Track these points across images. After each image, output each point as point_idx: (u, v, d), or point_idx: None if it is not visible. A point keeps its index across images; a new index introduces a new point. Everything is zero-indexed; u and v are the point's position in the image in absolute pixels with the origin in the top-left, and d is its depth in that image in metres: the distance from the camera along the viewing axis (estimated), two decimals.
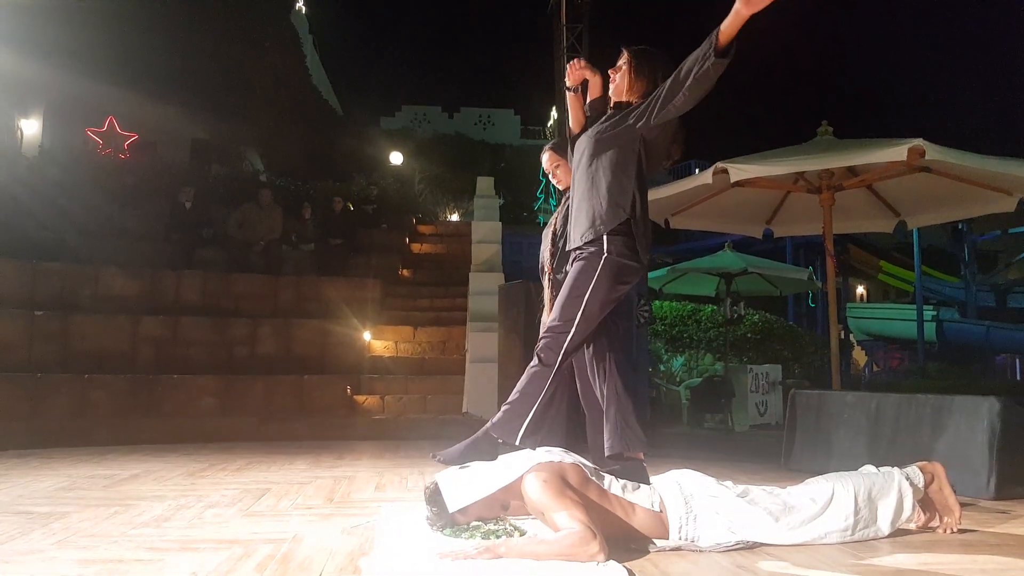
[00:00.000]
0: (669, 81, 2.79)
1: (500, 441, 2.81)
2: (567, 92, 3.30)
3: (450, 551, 2.08)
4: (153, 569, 2.01)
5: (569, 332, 2.86)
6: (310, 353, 8.00)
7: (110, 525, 2.61)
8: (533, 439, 2.73)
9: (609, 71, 3.15)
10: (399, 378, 7.90)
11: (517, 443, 2.75)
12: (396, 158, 21.23)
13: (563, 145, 3.50)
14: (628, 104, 3.04)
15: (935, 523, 2.64)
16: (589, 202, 2.94)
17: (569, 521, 2.07)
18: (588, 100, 3.31)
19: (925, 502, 2.62)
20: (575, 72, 3.23)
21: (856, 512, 2.39)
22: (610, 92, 3.13)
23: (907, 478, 2.51)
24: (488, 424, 2.87)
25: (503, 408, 2.88)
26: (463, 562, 2.01)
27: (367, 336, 8.55)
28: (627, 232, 2.89)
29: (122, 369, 7.12)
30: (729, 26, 2.57)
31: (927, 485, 2.58)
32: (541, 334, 2.96)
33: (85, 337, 7.26)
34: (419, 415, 7.39)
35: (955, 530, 2.60)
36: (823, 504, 2.38)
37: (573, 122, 3.34)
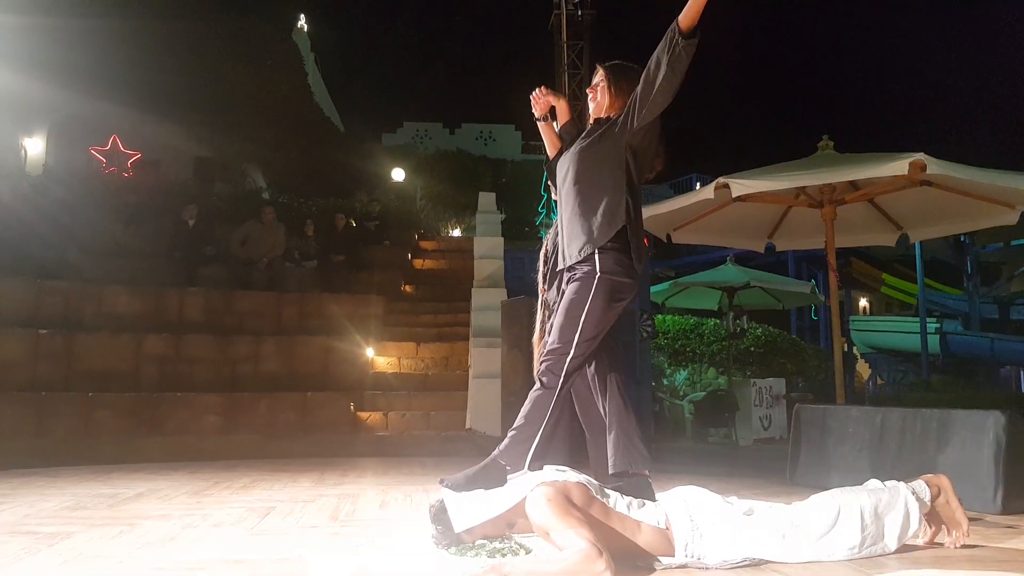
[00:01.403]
0: (641, 82, 2.82)
1: (508, 467, 2.80)
2: (538, 123, 3.32)
3: (459, 572, 2.07)
4: None
5: (569, 353, 2.86)
6: (313, 370, 8.01)
7: (116, 545, 2.61)
8: (541, 463, 2.73)
9: (587, 91, 3.17)
10: (402, 394, 7.90)
11: (526, 468, 2.75)
12: (398, 174, 21.32)
13: None
14: (608, 119, 3.06)
15: (943, 537, 2.62)
16: (582, 217, 2.94)
17: (575, 539, 2.07)
18: (559, 125, 3.33)
19: (932, 516, 2.61)
20: (540, 101, 3.25)
21: (863, 529, 2.38)
22: (590, 111, 3.15)
23: (913, 492, 2.50)
24: (495, 451, 2.86)
25: (509, 434, 2.88)
26: None
27: (370, 352, 8.56)
28: (620, 246, 2.89)
29: (126, 387, 7.13)
30: (689, 10, 2.64)
31: (934, 499, 2.57)
32: (542, 357, 2.96)
33: (89, 355, 7.28)
34: (422, 431, 7.38)
35: (963, 544, 2.58)
36: (830, 521, 2.37)
37: (550, 149, 3.36)
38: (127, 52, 13.84)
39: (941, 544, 2.61)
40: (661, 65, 2.73)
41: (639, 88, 2.84)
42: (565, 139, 3.30)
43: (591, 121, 3.18)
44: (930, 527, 2.62)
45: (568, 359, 2.86)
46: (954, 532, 2.59)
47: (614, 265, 2.87)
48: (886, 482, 2.58)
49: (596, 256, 2.88)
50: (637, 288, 3.04)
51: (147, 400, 6.94)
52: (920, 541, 2.61)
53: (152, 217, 10.35)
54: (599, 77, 3.13)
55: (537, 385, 2.91)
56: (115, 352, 7.40)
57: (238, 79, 15.79)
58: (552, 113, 3.32)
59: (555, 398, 2.85)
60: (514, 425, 2.88)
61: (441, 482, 2.76)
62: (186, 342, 7.70)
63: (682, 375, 11.66)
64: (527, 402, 2.90)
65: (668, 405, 9.98)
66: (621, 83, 3.06)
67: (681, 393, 10.85)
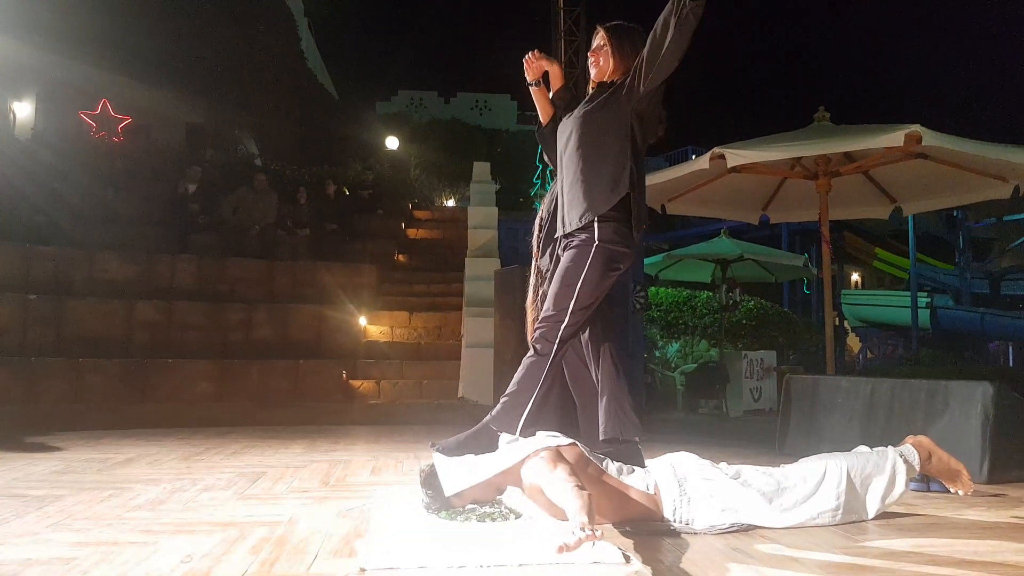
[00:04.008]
0: (647, 45, 2.76)
1: (500, 433, 2.80)
2: (530, 87, 3.25)
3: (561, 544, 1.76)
4: (148, 551, 2.01)
5: (563, 321, 2.84)
6: (306, 338, 7.99)
7: (105, 508, 2.61)
8: (532, 430, 2.74)
9: (589, 54, 3.09)
10: (395, 363, 7.90)
11: (517, 434, 2.75)
12: (392, 143, 21.16)
13: None
14: (612, 83, 2.99)
15: (952, 488, 2.72)
16: (585, 183, 2.90)
17: (566, 481, 2.05)
18: (552, 91, 3.26)
19: (934, 475, 2.69)
20: (533, 65, 3.18)
21: (849, 490, 2.40)
22: (593, 76, 3.07)
23: (902, 456, 2.52)
24: (487, 417, 2.86)
25: (501, 400, 2.87)
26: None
27: (363, 321, 8.55)
28: (621, 215, 2.86)
29: (117, 353, 7.11)
30: None
31: (924, 462, 2.60)
32: (537, 324, 2.95)
33: (80, 321, 7.24)
34: (415, 400, 7.41)
35: (971, 486, 2.68)
36: (815, 483, 2.39)
37: (542, 115, 3.31)
38: (117, 15, 13.60)
39: (952, 493, 2.73)
40: (668, 27, 2.67)
41: (645, 51, 2.77)
42: (559, 105, 3.25)
43: (592, 85, 3.11)
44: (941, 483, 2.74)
45: (562, 326, 2.84)
46: (957, 481, 2.66)
47: (613, 234, 2.85)
48: (875, 447, 2.60)
49: (596, 224, 2.85)
50: (633, 258, 3.02)
51: (138, 366, 6.93)
52: (959, 492, 2.71)
53: (143, 182, 10.26)
54: (601, 40, 3.05)
55: (531, 352, 2.90)
56: (106, 318, 7.36)
57: (230, 44, 15.55)
58: (545, 78, 3.26)
59: (548, 365, 2.84)
60: (507, 391, 2.87)
61: (432, 446, 2.76)
62: (178, 309, 7.67)
63: (674, 347, 11.70)
64: (520, 369, 2.89)
65: (660, 377, 10.03)
66: (624, 46, 2.98)
67: (673, 365, 10.89)
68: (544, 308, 2.95)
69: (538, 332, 2.90)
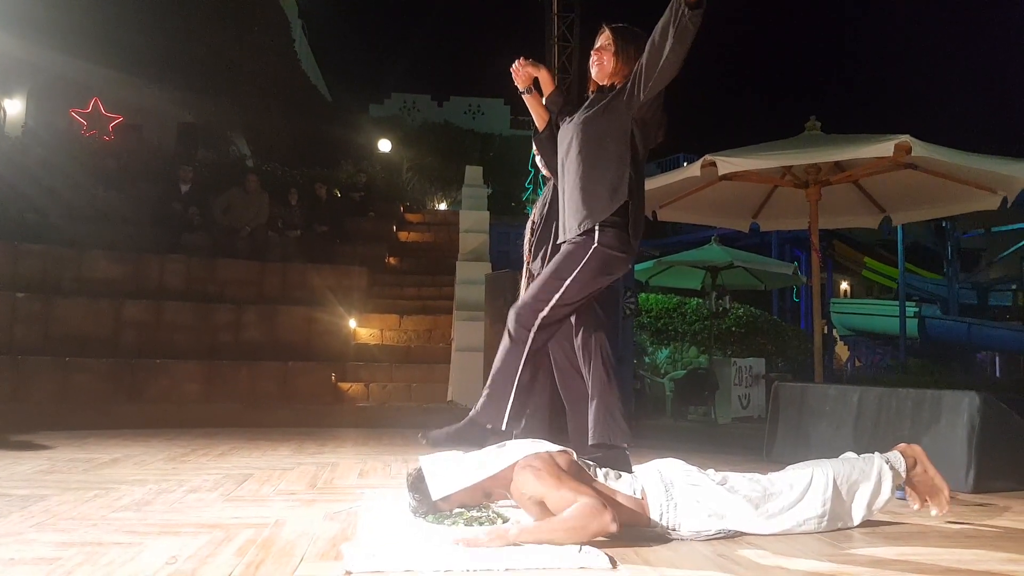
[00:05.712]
0: (646, 52, 2.75)
1: (488, 427, 2.79)
2: (523, 95, 3.25)
3: (462, 538, 2.05)
4: (133, 552, 2.00)
5: (542, 311, 2.81)
6: (295, 340, 7.97)
7: (90, 508, 2.59)
8: (518, 422, 2.72)
9: (592, 52, 3.07)
10: (384, 366, 7.89)
11: (503, 427, 2.73)
12: (384, 146, 21.13)
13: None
14: (612, 87, 2.99)
15: (927, 505, 2.66)
16: (584, 191, 2.89)
17: (576, 496, 2.08)
18: (545, 96, 3.26)
19: (914, 486, 2.65)
20: (521, 73, 3.18)
21: (835, 498, 2.40)
22: (594, 76, 3.05)
23: (888, 463, 2.53)
24: (472, 411, 2.85)
25: (484, 393, 2.85)
26: (474, 550, 1.98)
27: (353, 324, 8.53)
28: (620, 222, 2.86)
29: (104, 353, 7.06)
30: None
31: (910, 469, 2.60)
32: (514, 307, 2.90)
33: (67, 320, 7.19)
34: (404, 403, 7.39)
35: (948, 509, 2.61)
36: (802, 490, 2.39)
37: (538, 121, 3.30)
38: (110, 13, 13.57)
39: (929, 513, 2.65)
40: (667, 35, 2.65)
41: (644, 59, 2.76)
42: (552, 110, 3.25)
43: (592, 87, 3.09)
44: (918, 497, 2.66)
45: (541, 316, 2.81)
46: (936, 498, 2.64)
47: (613, 240, 2.84)
48: (862, 454, 2.60)
49: (596, 230, 2.84)
50: (630, 265, 3.01)
51: (126, 366, 6.88)
52: (915, 507, 2.65)
53: (134, 182, 10.21)
54: (605, 40, 3.02)
55: (505, 339, 2.86)
56: (94, 317, 7.31)
57: (224, 44, 15.53)
58: (536, 84, 3.26)
59: (524, 355, 2.80)
60: (487, 383, 2.85)
61: (421, 436, 2.75)
62: (167, 309, 7.63)
63: (664, 353, 11.72)
64: (496, 359, 2.84)
65: (649, 383, 10.03)
66: (629, 49, 2.96)
67: (662, 371, 10.90)
68: (527, 292, 2.92)
69: (513, 313, 2.86)
